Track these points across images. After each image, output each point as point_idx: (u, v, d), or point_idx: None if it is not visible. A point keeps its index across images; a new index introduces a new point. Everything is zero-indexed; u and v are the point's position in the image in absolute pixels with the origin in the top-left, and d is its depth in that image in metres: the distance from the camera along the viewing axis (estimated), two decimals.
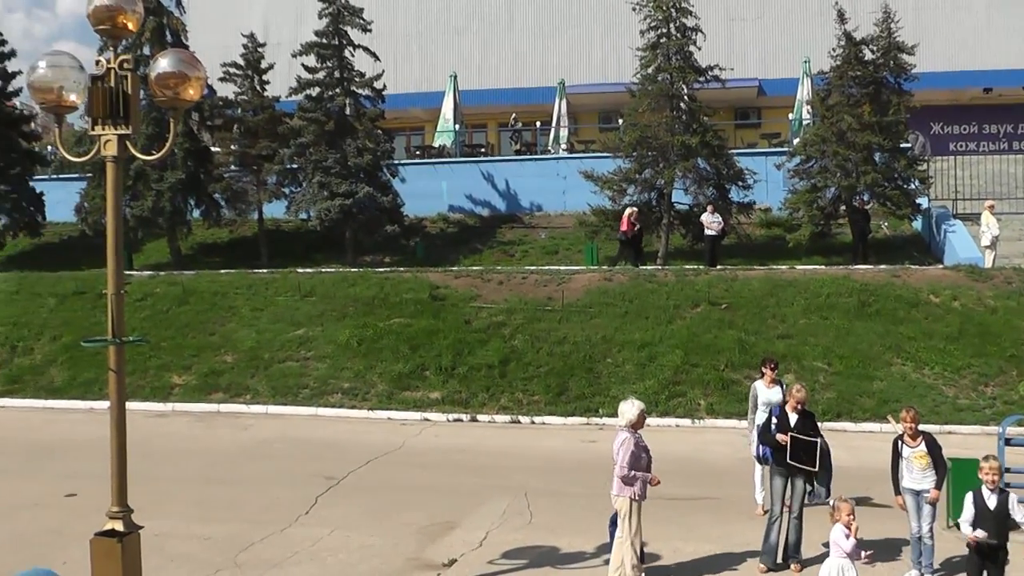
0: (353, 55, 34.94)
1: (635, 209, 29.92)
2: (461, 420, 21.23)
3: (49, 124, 51.99)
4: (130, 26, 8.47)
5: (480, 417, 21.29)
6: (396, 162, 36.39)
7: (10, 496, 15.33)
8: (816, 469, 11.61)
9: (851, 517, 9.36)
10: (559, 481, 15.94)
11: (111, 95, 8.08)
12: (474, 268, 30.19)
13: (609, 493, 10.81)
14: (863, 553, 9.51)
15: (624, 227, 29.40)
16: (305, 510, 14.29)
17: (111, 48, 8.36)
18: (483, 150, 43.94)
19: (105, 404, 21.27)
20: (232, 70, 35.80)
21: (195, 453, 18.53)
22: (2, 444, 19.71)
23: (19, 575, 6.80)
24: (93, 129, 8.20)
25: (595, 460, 16.81)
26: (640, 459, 10.61)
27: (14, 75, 37.87)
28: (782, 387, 13.65)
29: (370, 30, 34.64)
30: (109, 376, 8.17)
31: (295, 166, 34.76)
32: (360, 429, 20.64)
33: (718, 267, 28.15)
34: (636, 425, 10.69)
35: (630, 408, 10.74)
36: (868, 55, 31.09)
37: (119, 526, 7.95)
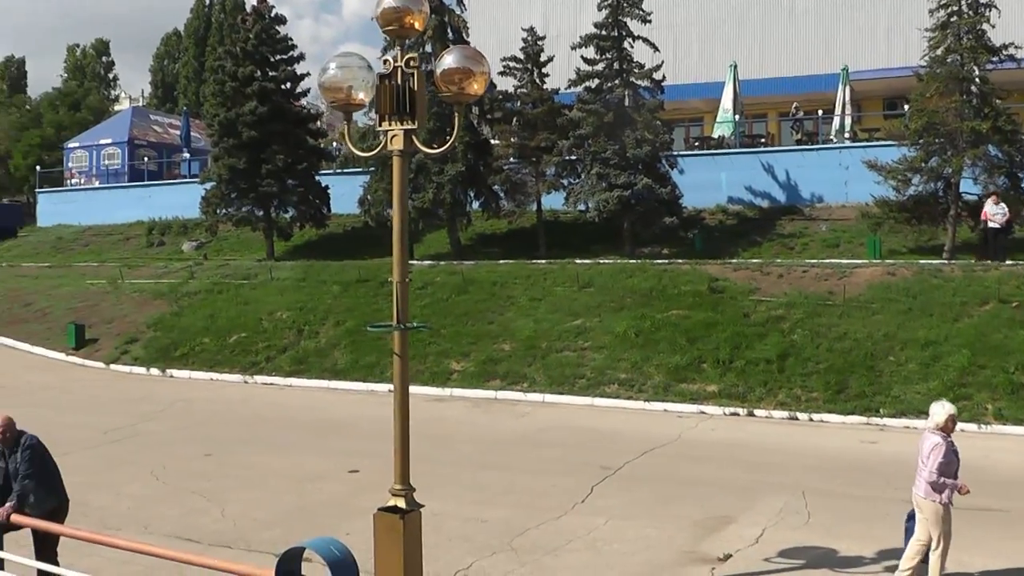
0: (632, 46, 34.82)
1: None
2: (738, 414, 20.99)
3: (334, 122, 54.70)
4: (416, 25, 8.69)
5: (757, 412, 20.96)
6: (675, 153, 36.10)
7: (298, 470, 16.30)
8: None
9: None
10: (838, 481, 15.44)
11: (398, 92, 8.33)
12: (753, 261, 29.72)
13: (900, 497, 10.41)
14: None
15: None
16: (580, 498, 14.44)
17: (397, 47, 8.63)
18: (763, 140, 43.01)
19: (385, 387, 22.33)
20: (512, 64, 36.53)
21: (473, 438, 19.09)
22: (290, 421, 21.01)
23: (308, 543, 7.14)
24: (380, 125, 8.48)
25: (875, 462, 16.27)
26: (951, 465, 10.15)
27: (302, 77, 40.12)
28: None
29: (649, 21, 34.47)
30: (393, 360, 8.43)
31: (574, 157, 35.07)
32: (636, 420, 20.71)
33: (1008, 262, 26.50)
34: (945, 429, 10.20)
35: (940, 411, 10.26)
36: None
37: (401, 503, 8.21)
